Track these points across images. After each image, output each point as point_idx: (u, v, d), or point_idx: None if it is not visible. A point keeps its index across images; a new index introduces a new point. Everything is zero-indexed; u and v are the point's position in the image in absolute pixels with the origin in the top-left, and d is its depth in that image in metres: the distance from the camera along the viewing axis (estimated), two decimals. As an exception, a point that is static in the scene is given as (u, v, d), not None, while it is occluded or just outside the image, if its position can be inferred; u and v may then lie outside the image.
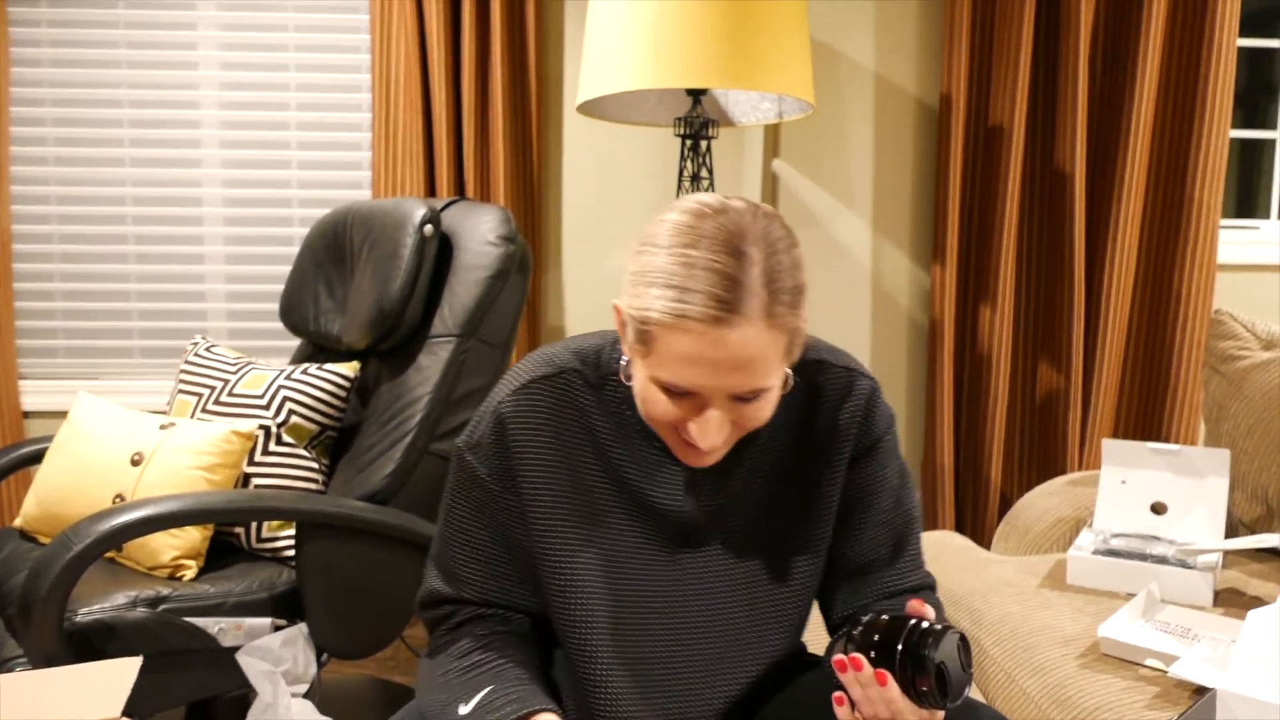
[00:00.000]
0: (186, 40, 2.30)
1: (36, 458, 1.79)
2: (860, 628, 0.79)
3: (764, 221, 0.78)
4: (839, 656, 0.77)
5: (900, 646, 0.75)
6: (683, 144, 1.98)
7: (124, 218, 2.34)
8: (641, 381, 0.81)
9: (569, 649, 0.92)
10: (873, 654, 0.76)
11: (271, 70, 2.32)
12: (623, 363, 0.90)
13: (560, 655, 0.99)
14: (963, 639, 0.76)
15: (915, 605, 0.79)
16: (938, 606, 0.97)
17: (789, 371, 0.83)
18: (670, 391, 0.79)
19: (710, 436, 0.79)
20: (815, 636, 1.22)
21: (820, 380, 0.93)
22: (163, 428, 1.60)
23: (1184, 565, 1.36)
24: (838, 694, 0.79)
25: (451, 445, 1.60)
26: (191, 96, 2.32)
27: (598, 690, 0.91)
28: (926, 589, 0.98)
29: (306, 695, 1.41)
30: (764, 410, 0.81)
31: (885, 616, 0.79)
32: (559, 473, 0.90)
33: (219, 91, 2.32)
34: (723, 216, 0.77)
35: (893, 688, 0.75)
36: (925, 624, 0.76)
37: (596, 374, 0.91)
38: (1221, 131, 2.23)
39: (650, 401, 0.80)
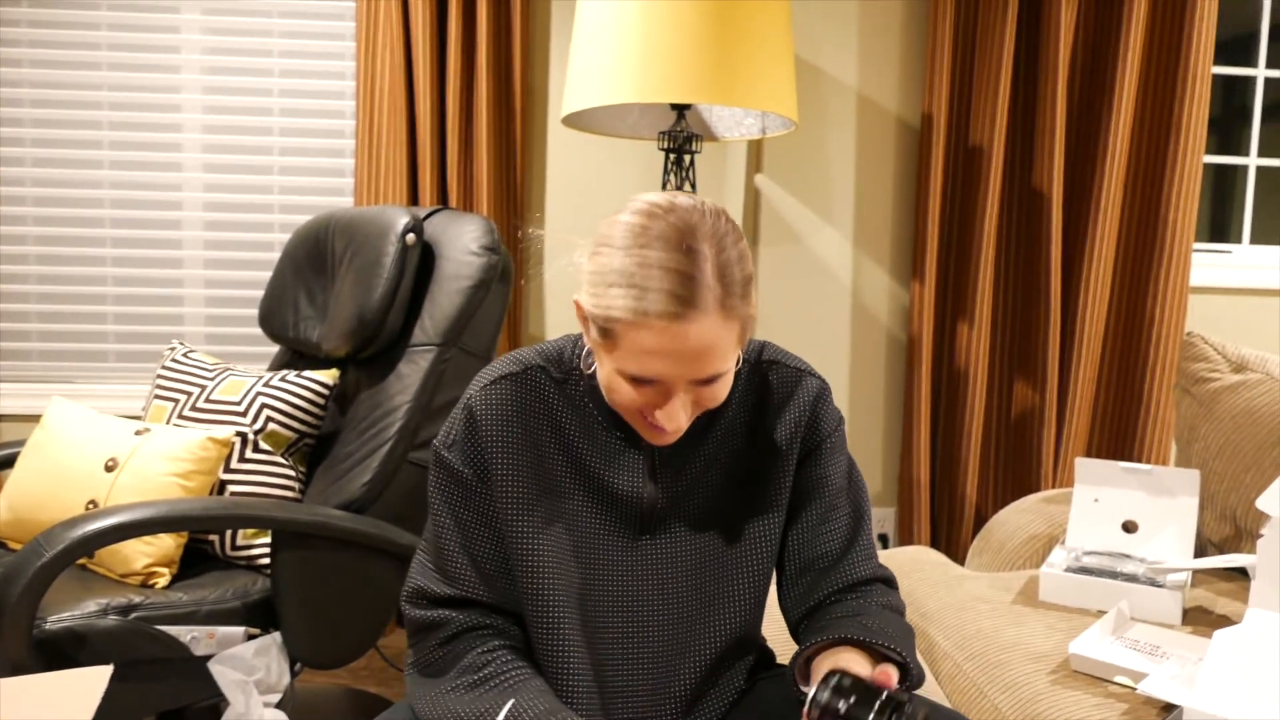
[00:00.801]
0: (169, 43, 2.29)
1: (8, 462, 1.77)
2: (829, 690, 0.79)
3: (711, 218, 0.84)
4: None
5: (870, 716, 0.75)
6: (666, 158, 2.00)
7: (102, 220, 2.32)
8: (607, 373, 0.87)
9: (534, 632, 0.94)
10: (840, 717, 0.76)
11: (255, 75, 2.31)
12: (584, 354, 0.96)
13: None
14: (930, 711, 0.77)
15: (882, 675, 0.82)
16: (896, 608, 0.98)
17: (740, 352, 0.90)
18: (635, 381, 0.85)
19: (675, 419, 0.86)
20: (780, 638, 1.23)
21: (773, 378, 1.00)
22: (138, 433, 1.58)
23: (1154, 584, 1.38)
24: None
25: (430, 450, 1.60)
26: (173, 100, 2.31)
27: (561, 673, 0.93)
28: (880, 581, 1.00)
29: (279, 705, 1.40)
30: (722, 390, 0.87)
31: (852, 680, 0.79)
32: (526, 463, 0.94)
33: (201, 95, 2.31)
34: (672, 215, 0.83)
35: None
36: (894, 697, 0.77)
37: (560, 370, 0.97)
38: (1195, 156, 2.27)
39: (616, 390, 0.87)
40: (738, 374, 0.98)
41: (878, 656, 0.91)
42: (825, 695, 0.78)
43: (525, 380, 0.95)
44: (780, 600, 1.03)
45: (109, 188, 2.32)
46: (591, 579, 0.95)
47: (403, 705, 0.97)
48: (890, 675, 0.82)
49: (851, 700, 0.77)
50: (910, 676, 0.90)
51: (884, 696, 0.77)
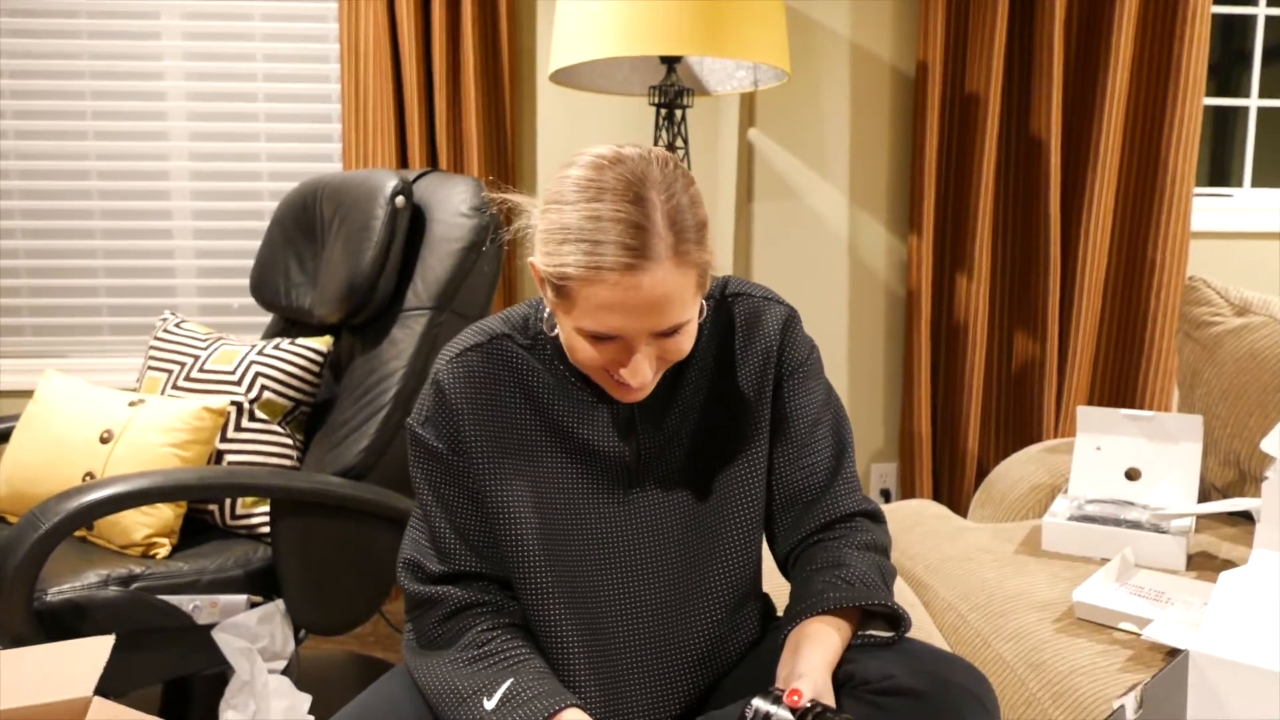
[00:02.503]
0: (149, 9, 2.24)
1: (3, 436, 1.76)
2: (767, 699, 0.81)
3: (659, 166, 0.83)
4: None
5: None
6: (657, 113, 1.96)
7: (89, 192, 2.29)
8: (567, 333, 0.86)
9: (523, 599, 0.94)
10: None
11: (237, 40, 2.27)
12: (546, 315, 0.94)
13: None
14: None
15: (789, 697, 0.82)
16: (882, 549, 0.98)
17: (703, 301, 0.89)
18: (595, 338, 0.83)
19: (640, 375, 0.84)
20: (774, 580, 1.23)
21: (738, 310, 0.98)
22: (132, 404, 1.57)
23: (1157, 530, 1.37)
24: None
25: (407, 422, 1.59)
26: (155, 67, 2.26)
27: (553, 639, 0.93)
28: (865, 515, 1.00)
29: (284, 672, 1.40)
30: (685, 342, 0.86)
31: (778, 692, 0.81)
32: (500, 432, 0.93)
33: (184, 62, 2.27)
34: (621, 166, 0.81)
35: None
36: (822, 712, 0.78)
37: (526, 336, 0.95)
38: (1195, 100, 2.23)
39: (578, 350, 0.85)
40: (702, 311, 0.95)
41: (857, 612, 0.91)
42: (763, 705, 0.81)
43: (491, 350, 0.94)
44: (766, 533, 1.03)
45: (95, 159, 2.28)
46: (582, 540, 0.94)
47: (400, 670, 0.97)
48: (799, 696, 0.81)
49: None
50: (899, 624, 0.90)
51: (816, 712, 0.79)
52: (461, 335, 0.96)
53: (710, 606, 0.97)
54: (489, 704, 0.85)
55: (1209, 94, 2.58)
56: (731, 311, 0.98)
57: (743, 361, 0.97)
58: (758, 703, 0.81)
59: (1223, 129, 2.69)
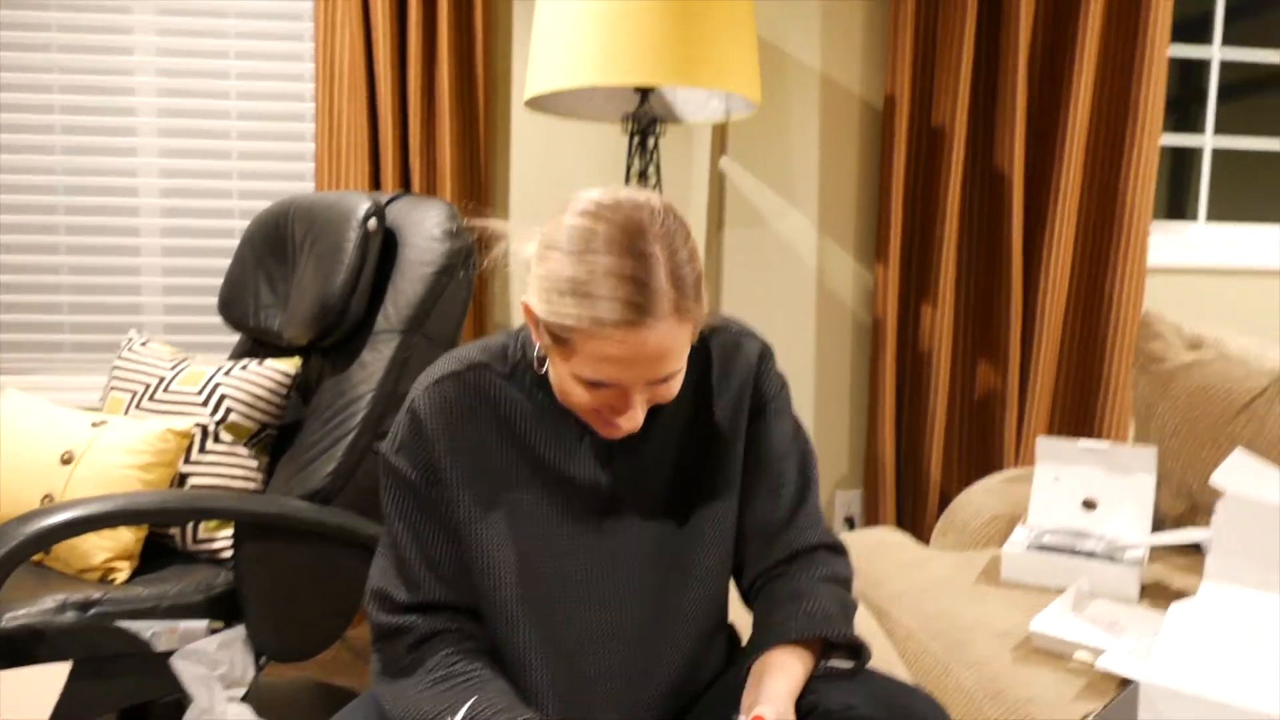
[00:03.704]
0: (121, 24, 2.23)
1: (-40, 456, 1.73)
2: None
3: (660, 216, 0.82)
4: None
5: None
6: (630, 141, 1.99)
7: (55, 207, 2.27)
8: (561, 376, 0.86)
9: (493, 630, 0.94)
10: None
11: (211, 57, 2.26)
12: (537, 353, 0.94)
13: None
14: None
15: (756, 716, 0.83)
16: (843, 582, 0.99)
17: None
18: (591, 385, 0.84)
19: (633, 420, 0.86)
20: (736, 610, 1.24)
21: (714, 345, 1.00)
22: (95, 425, 1.55)
23: (1112, 560, 1.40)
24: None
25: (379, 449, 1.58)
26: (127, 83, 2.25)
27: (524, 670, 0.93)
28: (826, 548, 1.01)
29: (245, 699, 1.39)
30: (675, 386, 0.88)
31: None
32: (475, 461, 0.93)
33: (156, 79, 2.26)
34: (619, 214, 0.81)
35: None
36: None
37: (505, 365, 0.95)
38: (1153, 137, 2.29)
39: (571, 393, 0.86)
40: None
41: (819, 640, 0.93)
42: None
43: (468, 378, 0.94)
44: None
45: (62, 174, 2.26)
46: (556, 570, 0.94)
47: (365, 699, 0.96)
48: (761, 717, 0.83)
49: None
50: (860, 655, 0.92)
51: None
52: (438, 363, 0.96)
53: (681, 637, 0.97)
54: None
55: (1166, 131, 2.65)
56: (709, 345, 0.99)
57: (719, 394, 0.98)
58: None
59: (1180, 165, 2.77)
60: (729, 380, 0.98)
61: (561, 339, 0.82)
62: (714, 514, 0.98)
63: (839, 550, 1.02)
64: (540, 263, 0.84)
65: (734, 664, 1.03)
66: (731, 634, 1.07)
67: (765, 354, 1.00)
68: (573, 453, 0.94)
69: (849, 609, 0.96)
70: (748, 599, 1.03)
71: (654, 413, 0.97)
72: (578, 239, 0.81)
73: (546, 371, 0.94)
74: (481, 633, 0.95)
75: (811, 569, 0.98)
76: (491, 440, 0.93)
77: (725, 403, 0.98)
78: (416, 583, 0.93)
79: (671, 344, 0.81)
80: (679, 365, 0.85)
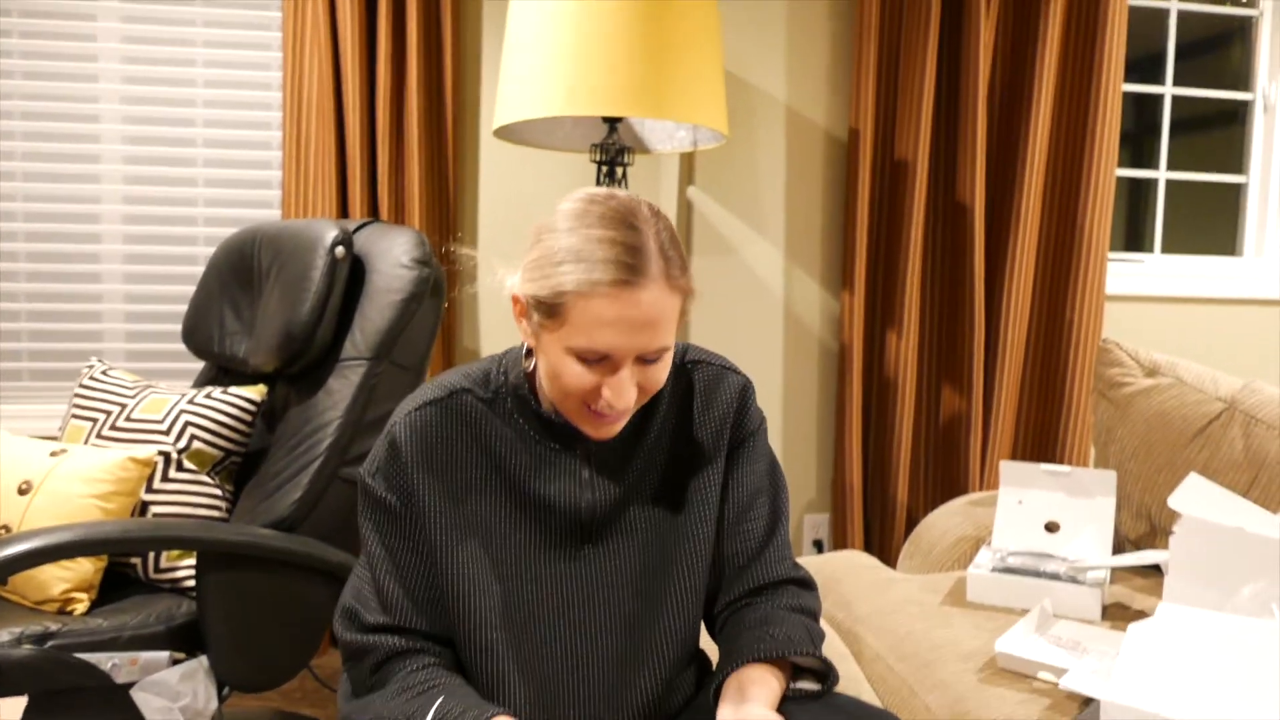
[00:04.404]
0: (86, 51, 2.22)
1: (-87, 486, 1.69)
2: None
3: (647, 208, 0.88)
4: None
5: None
6: (598, 170, 2.01)
7: (14, 234, 2.24)
8: (554, 356, 0.87)
9: (468, 657, 0.93)
10: None
11: (177, 85, 2.26)
12: (512, 363, 0.96)
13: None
14: None
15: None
16: (811, 613, 1.00)
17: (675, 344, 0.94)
18: (585, 360, 0.85)
19: (624, 397, 0.86)
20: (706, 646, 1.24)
21: (697, 377, 1.02)
22: (53, 454, 1.53)
23: (1075, 581, 1.43)
24: None
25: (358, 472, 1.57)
26: (91, 110, 2.24)
27: (500, 697, 0.93)
28: (794, 582, 1.02)
29: (206, 731, 1.36)
30: (662, 372, 0.90)
31: None
32: (454, 488, 0.93)
33: (121, 106, 2.25)
34: (612, 201, 0.87)
35: None
36: None
37: (486, 390, 0.96)
38: (1109, 169, 2.36)
39: (563, 374, 0.86)
40: None
41: (787, 665, 0.93)
42: None
43: (450, 405, 0.94)
44: None
45: (22, 200, 2.24)
46: (533, 597, 0.94)
47: None
48: None
49: None
50: (828, 679, 0.92)
51: None
52: (420, 390, 0.97)
53: (656, 664, 0.97)
54: None
55: (1122, 165, 2.73)
56: (691, 377, 1.01)
57: (701, 425, 1.00)
58: None
59: (1136, 198, 2.85)
60: (711, 412, 1.00)
61: (555, 309, 0.84)
62: (691, 543, 0.99)
63: (808, 585, 1.04)
64: (535, 247, 0.87)
65: (703, 689, 1.03)
66: (702, 661, 1.08)
67: (747, 389, 1.03)
68: (552, 479, 0.95)
69: (816, 637, 0.96)
70: (712, 628, 1.04)
71: (636, 440, 0.98)
72: (573, 217, 0.86)
73: (528, 397, 0.95)
74: (450, 654, 0.94)
75: (779, 599, 0.99)
76: (470, 466, 0.94)
77: (706, 434, 1.00)
78: (388, 605, 0.93)
79: (662, 310, 0.84)
80: (667, 341, 0.87)
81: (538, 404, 0.95)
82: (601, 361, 0.85)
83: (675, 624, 0.98)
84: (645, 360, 0.87)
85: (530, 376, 0.96)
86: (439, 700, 0.86)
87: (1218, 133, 2.80)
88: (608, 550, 0.96)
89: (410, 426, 0.93)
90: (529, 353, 0.95)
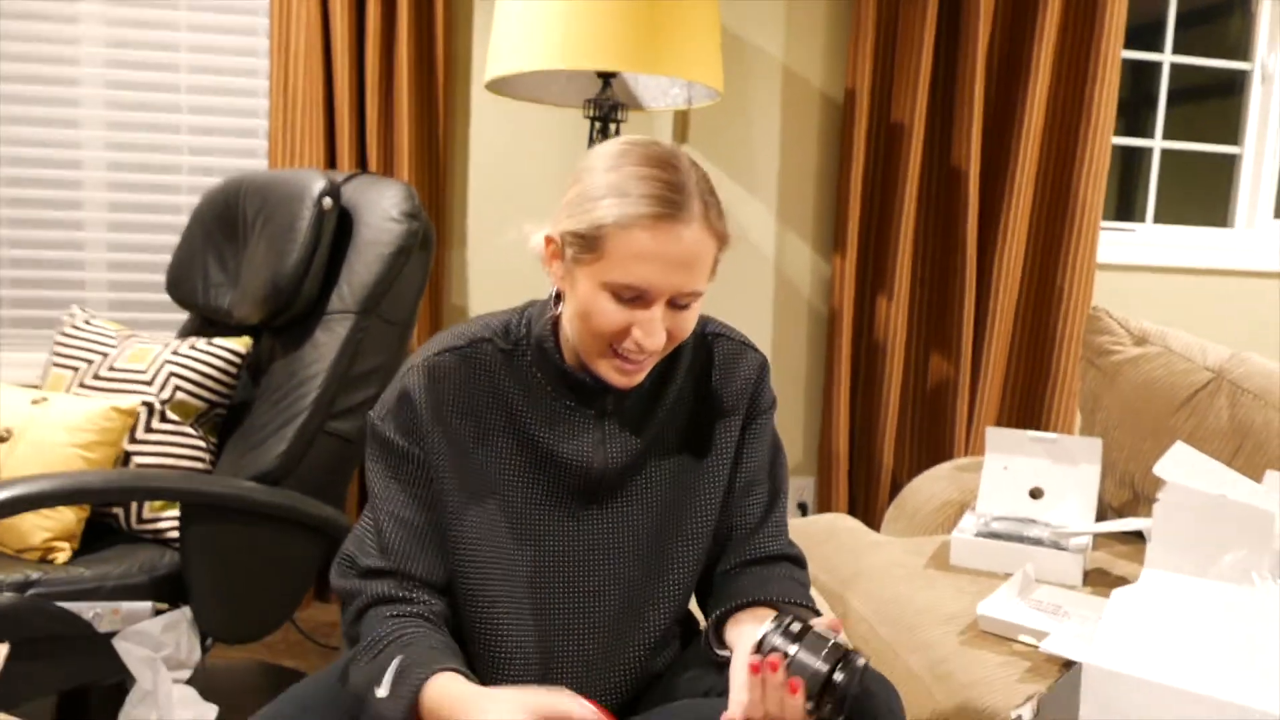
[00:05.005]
0: (67, -8, 2.16)
1: (-109, 433, 1.67)
2: (780, 631, 0.80)
3: (686, 158, 0.88)
4: (754, 660, 0.80)
5: (819, 663, 0.78)
6: (591, 126, 1.98)
7: (-6, 178, 2.20)
8: (587, 293, 0.86)
9: (468, 609, 0.93)
10: (790, 662, 0.78)
11: (161, 29, 2.20)
12: (545, 301, 0.95)
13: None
14: (866, 665, 0.80)
15: (835, 621, 0.84)
16: (803, 582, 1.01)
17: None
18: (619, 296, 0.84)
19: (654, 336, 0.86)
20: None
21: (718, 350, 1.01)
22: (34, 403, 1.51)
23: (1057, 547, 1.44)
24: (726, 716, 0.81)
25: (348, 425, 1.56)
26: (72, 52, 2.18)
27: (499, 649, 0.92)
28: (788, 559, 1.02)
29: (190, 681, 1.36)
30: (691, 320, 0.89)
31: (802, 625, 0.81)
32: (466, 437, 0.92)
33: (103, 49, 2.19)
34: (653, 146, 0.88)
35: (799, 696, 0.78)
36: (840, 644, 0.79)
37: (506, 341, 0.95)
38: (1105, 137, 2.34)
39: (596, 312, 0.86)
40: (684, 344, 0.98)
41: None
42: (777, 637, 0.79)
43: (469, 354, 0.94)
44: None
45: (3, 144, 2.19)
46: (537, 552, 0.94)
47: (317, 676, 0.95)
48: (838, 622, 0.83)
49: (802, 643, 0.78)
50: None
51: (831, 644, 0.78)
52: (439, 337, 0.96)
53: (651, 626, 0.97)
54: (381, 692, 0.82)
55: (1117, 133, 2.71)
56: (711, 349, 1.01)
57: (720, 397, 1.00)
58: (774, 638, 0.80)
59: (1130, 167, 2.84)
60: (729, 386, 1.00)
61: (593, 242, 0.84)
62: (698, 512, 0.99)
63: (800, 563, 1.04)
64: (572, 188, 0.87)
65: (689, 648, 1.03)
66: (688, 623, 1.08)
67: (765, 368, 1.03)
68: (566, 436, 0.94)
69: (810, 602, 0.97)
70: (702, 597, 1.04)
71: (653, 402, 0.97)
72: (613, 156, 0.86)
73: (551, 348, 0.94)
74: (434, 604, 0.93)
75: (772, 570, 1.00)
76: (484, 416, 0.93)
77: (725, 405, 1.00)
78: (385, 547, 0.91)
79: (700, 251, 0.84)
80: (702, 285, 0.86)
81: (560, 356, 0.94)
82: (635, 300, 0.85)
83: (673, 590, 0.98)
84: (677, 304, 0.86)
85: (555, 327, 0.94)
86: (397, 659, 0.83)
87: (1213, 103, 2.78)
88: (615, 511, 0.96)
89: (427, 373, 0.92)
90: (556, 301, 0.94)
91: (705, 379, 1.00)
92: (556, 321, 0.94)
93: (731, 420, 1.00)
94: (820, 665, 0.77)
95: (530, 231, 0.91)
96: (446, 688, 0.80)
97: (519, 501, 0.94)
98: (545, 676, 0.94)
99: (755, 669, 0.79)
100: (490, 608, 0.92)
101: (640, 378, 0.90)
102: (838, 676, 0.77)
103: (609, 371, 0.89)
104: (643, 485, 0.97)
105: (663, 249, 0.82)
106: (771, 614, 0.88)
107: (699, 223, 0.84)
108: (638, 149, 0.86)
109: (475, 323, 0.97)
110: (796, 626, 0.80)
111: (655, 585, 0.97)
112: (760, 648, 0.80)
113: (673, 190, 0.83)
